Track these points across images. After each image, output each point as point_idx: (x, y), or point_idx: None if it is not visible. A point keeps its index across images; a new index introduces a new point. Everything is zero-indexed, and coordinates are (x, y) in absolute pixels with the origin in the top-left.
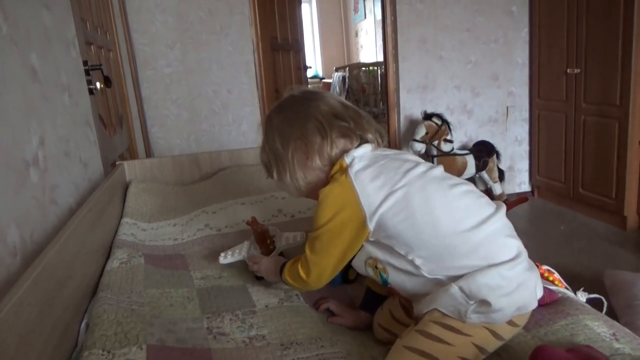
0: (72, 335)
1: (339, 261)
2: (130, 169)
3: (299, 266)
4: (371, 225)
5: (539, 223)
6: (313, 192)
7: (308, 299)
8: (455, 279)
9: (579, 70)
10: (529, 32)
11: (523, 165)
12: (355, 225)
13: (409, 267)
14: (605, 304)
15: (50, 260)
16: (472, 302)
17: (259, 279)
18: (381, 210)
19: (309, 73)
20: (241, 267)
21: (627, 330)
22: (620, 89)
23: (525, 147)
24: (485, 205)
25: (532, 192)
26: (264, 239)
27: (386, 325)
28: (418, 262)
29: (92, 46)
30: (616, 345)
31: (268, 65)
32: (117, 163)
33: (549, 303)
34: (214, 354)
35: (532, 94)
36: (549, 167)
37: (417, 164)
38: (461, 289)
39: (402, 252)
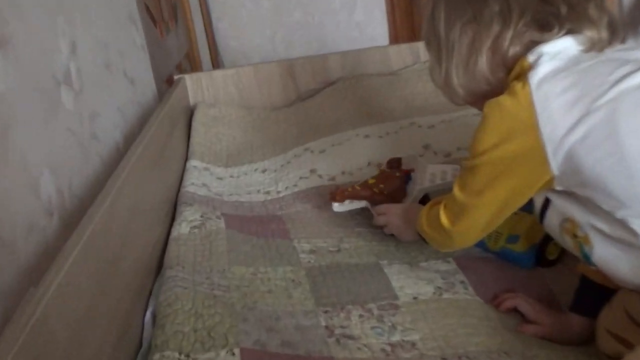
0: (135, 330)
1: (498, 210)
2: (194, 85)
3: (441, 210)
4: (555, 164)
5: None
6: (478, 102)
7: (482, 289)
8: None
9: None
10: None
11: None
12: (530, 162)
13: (623, 234)
14: None
15: (98, 223)
16: None
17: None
18: (571, 141)
19: None
20: (369, 235)
21: None
22: None
23: None
24: None
25: None
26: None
27: (620, 332)
28: (636, 224)
29: None
30: None
31: None
32: (175, 78)
33: None
34: None
35: None
36: None
37: None
38: None
39: (608, 209)
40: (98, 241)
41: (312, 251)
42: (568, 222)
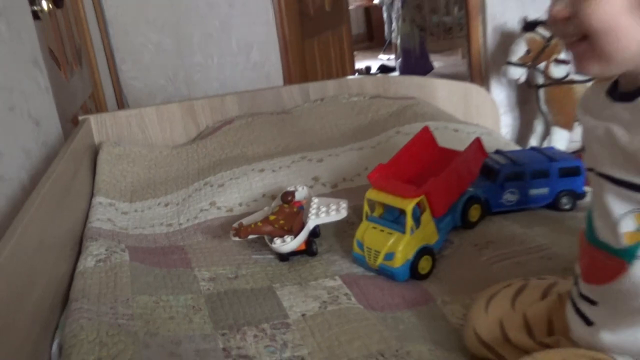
0: None
1: None
2: (98, 125)
3: None
4: None
5: None
6: None
7: (363, 298)
8: None
9: None
10: None
11: None
12: None
13: None
14: None
15: (4, 262)
16: None
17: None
18: None
19: None
20: (265, 262)
21: None
22: None
23: None
24: None
25: None
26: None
27: (491, 342)
28: None
29: None
30: None
31: None
32: (80, 118)
33: None
34: None
35: None
36: None
37: None
38: None
39: None
40: (3, 279)
41: (211, 279)
42: None
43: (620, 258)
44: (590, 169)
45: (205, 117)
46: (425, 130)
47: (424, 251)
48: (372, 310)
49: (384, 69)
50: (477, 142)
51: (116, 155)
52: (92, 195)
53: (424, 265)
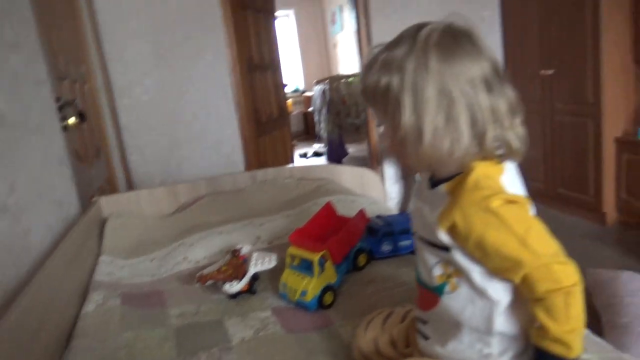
0: None
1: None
2: (107, 204)
3: (538, 313)
4: None
5: None
6: None
7: (286, 324)
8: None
9: (551, 72)
10: (502, 36)
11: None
12: None
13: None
14: None
15: (23, 308)
16: None
17: (233, 297)
18: None
19: (289, 88)
20: (218, 299)
21: (596, 339)
22: (593, 88)
23: None
24: None
25: None
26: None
27: (369, 355)
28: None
29: (65, 81)
30: (584, 355)
31: (246, 86)
32: (93, 199)
33: None
34: None
35: None
36: (530, 169)
37: None
38: None
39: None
40: (21, 321)
41: (179, 315)
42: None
43: (434, 293)
44: (414, 233)
45: (184, 195)
46: (328, 204)
47: (327, 288)
48: (290, 333)
49: (316, 154)
50: (361, 212)
51: (119, 224)
52: (99, 254)
53: (327, 298)
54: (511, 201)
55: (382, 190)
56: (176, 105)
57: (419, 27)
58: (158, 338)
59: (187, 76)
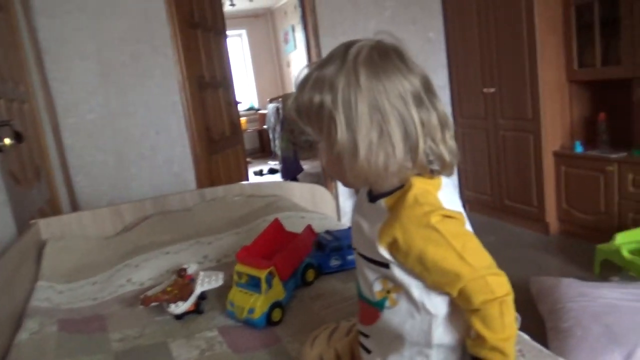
0: None
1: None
2: (47, 226)
3: (475, 323)
4: None
5: None
6: None
7: (233, 344)
8: None
9: (494, 89)
10: (447, 56)
11: (453, 181)
12: None
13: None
14: (519, 319)
15: None
16: None
17: (179, 318)
18: None
19: (244, 106)
20: (163, 320)
21: (535, 345)
22: (532, 105)
23: None
24: None
25: (464, 206)
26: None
27: None
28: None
29: (0, 101)
30: None
31: (196, 104)
32: (31, 222)
33: None
34: None
35: (455, 114)
36: (476, 181)
37: None
38: None
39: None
40: None
41: (121, 339)
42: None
43: (375, 308)
44: (354, 249)
45: (129, 215)
46: (276, 220)
47: (275, 305)
48: (237, 352)
49: (271, 171)
50: (309, 227)
51: (59, 247)
52: (36, 280)
53: (276, 315)
54: (449, 216)
55: (334, 205)
56: (124, 124)
57: (349, 45)
58: None
59: (136, 95)
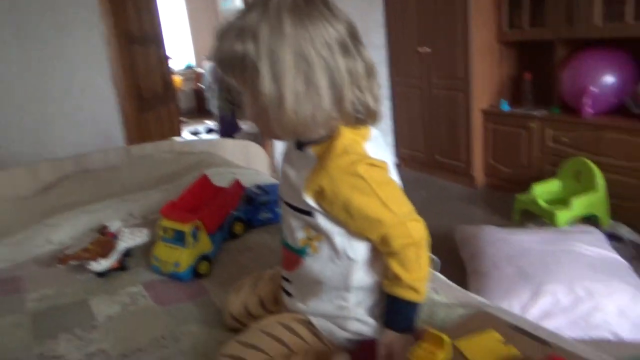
0: None
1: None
2: None
3: (393, 265)
4: None
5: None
6: None
7: (158, 297)
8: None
9: (428, 49)
10: (384, 15)
11: (388, 139)
12: None
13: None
14: (437, 261)
15: None
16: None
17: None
18: None
19: (180, 64)
20: (84, 279)
21: (450, 283)
22: (463, 65)
23: (389, 122)
24: None
25: (399, 163)
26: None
27: (239, 317)
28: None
29: None
30: (435, 297)
31: (125, 60)
32: None
33: None
34: None
35: (391, 73)
36: (411, 139)
37: None
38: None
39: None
40: None
41: (39, 299)
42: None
43: (298, 255)
44: (281, 198)
45: (47, 175)
46: (204, 176)
47: (202, 258)
48: (162, 305)
49: (209, 131)
50: (237, 182)
51: None
52: None
53: (203, 268)
54: (374, 165)
55: (267, 162)
56: (44, 81)
57: None
58: (9, 325)
59: (56, 50)
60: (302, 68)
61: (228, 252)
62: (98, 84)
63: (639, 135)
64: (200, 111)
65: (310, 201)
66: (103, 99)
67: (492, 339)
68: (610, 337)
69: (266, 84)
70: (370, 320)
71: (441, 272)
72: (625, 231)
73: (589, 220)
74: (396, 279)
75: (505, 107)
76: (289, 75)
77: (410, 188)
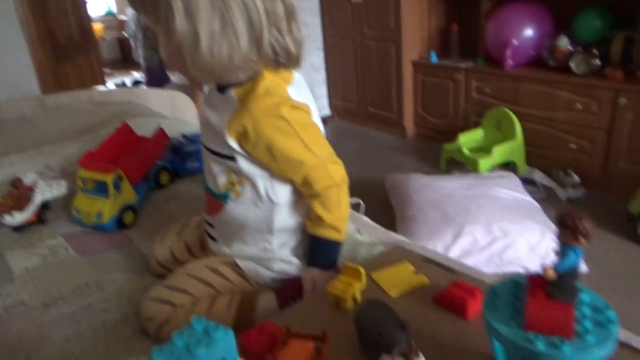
0: None
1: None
2: None
3: (315, 206)
4: None
5: (337, 142)
6: None
7: (80, 248)
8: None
9: (360, 0)
10: None
11: (322, 91)
12: None
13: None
14: (363, 205)
15: None
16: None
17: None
18: None
19: (100, 11)
20: (4, 232)
21: (372, 224)
22: (394, 16)
23: (322, 74)
24: None
25: (332, 115)
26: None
27: (165, 263)
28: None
29: None
30: (358, 237)
31: (34, 4)
32: None
33: None
34: None
35: (324, 24)
36: (344, 90)
37: None
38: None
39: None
40: None
41: None
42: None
43: (220, 200)
44: (202, 143)
45: None
46: (125, 125)
47: (126, 208)
48: (84, 255)
49: (135, 82)
50: (160, 131)
51: None
52: None
53: (128, 218)
54: (296, 107)
55: (196, 113)
56: None
57: None
58: None
59: None
60: (217, 6)
61: (154, 202)
62: (4, 30)
63: (554, 87)
64: (125, 62)
65: (233, 143)
66: (11, 45)
67: (404, 270)
68: (521, 271)
69: (179, 21)
70: (295, 260)
71: (372, 217)
72: (539, 176)
73: (508, 166)
74: (318, 220)
75: (434, 58)
76: (204, 13)
77: (343, 139)
